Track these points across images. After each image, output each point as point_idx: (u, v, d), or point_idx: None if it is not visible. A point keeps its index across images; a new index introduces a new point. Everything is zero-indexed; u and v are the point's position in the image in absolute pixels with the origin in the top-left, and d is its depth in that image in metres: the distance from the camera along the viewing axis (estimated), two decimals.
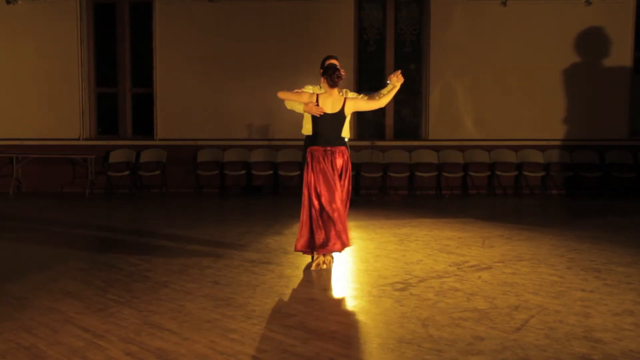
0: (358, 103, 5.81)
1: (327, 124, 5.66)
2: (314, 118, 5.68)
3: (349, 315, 4.39)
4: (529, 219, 8.85)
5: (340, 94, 5.83)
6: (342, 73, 5.63)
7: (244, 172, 11.84)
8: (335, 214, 5.53)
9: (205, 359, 3.54)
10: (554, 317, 4.25)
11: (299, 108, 5.88)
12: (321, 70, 5.75)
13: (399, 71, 5.87)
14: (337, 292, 5.07)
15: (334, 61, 5.77)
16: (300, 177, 11.79)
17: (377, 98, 5.88)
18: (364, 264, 5.93)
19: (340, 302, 4.76)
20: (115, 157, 11.88)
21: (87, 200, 11.06)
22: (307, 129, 5.95)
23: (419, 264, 5.89)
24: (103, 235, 7.79)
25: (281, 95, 5.86)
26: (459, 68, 11.88)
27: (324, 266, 5.70)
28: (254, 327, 4.08)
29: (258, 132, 12.00)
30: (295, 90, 5.86)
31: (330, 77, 5.60)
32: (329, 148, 5.63)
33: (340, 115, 5.68)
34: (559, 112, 11.92)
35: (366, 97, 6.00)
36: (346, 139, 5.88)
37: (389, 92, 5.85)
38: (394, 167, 11.87)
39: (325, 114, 5.62)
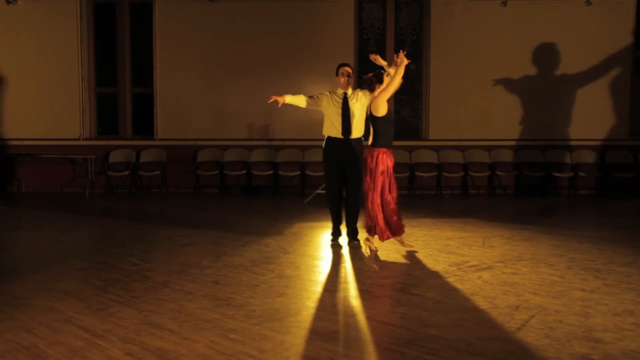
0: (382, 96, 6.36)
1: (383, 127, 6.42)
2: (372, 122, 6.42)
3: (349, 315, 4.39)
4: (529, 219, 8.84)
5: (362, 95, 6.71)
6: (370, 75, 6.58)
7: (244, 172, 11.84)
8: (372, 208, 6.37)
9: (205, 359, 3.55)
10: (554, 317, 4.25)
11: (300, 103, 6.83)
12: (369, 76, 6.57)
13: (402, 52, 6.37)
14: (337, 292, 5.06)
15: (347, 68, 6.73)
16: (300, 177, 11.81)
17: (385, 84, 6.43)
18: (364, 264, 5.93)
19: (340, 302, 4.76)
20: (115, 157, 11.88)
21: (87, 200, 11.06)
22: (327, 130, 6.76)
23: (419, 264, 5.89)
24: (103, 235, 7.79)
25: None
26: (459, 68, 11.88)
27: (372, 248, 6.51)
28: (254, 327, 4.08)
29: (258, 132, 12.00)
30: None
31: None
32: (384, 150, 6.46)
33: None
34: (558, 112, 11.92)
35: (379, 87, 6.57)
36: (361, 137, 6.75)
37: (397, 72, 6.29)
38: (394, 167, 11.83)
39: (379, 117, 6.35)
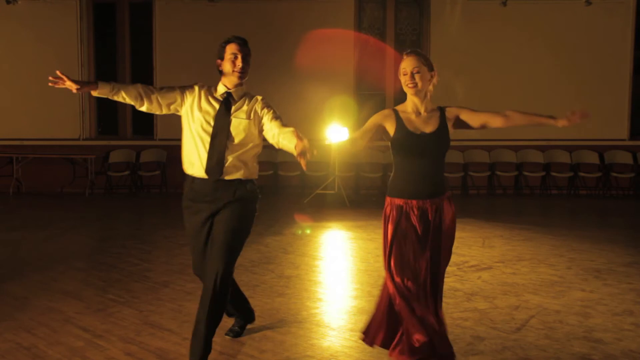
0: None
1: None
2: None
3: (349, 315, 4.39)
4: (529, 219, 8.84)
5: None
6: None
7: None
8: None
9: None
10: (554, 317, 4.25)
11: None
12: (434, 72, 3.46)
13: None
14: (337, 292, 5.07)
15: (238, 45, 3.79)
16: (300, 177, 11.81)
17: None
18: (364, 264, 5.93)
19: (340, 302, 4.76)
20: (115, 157, 11.87)
21: (87, 200, 11.05)
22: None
23: None
24: (103, 235, 7.78)
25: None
26: (459, 68, 11.86)
27: None
28: (254, 327, 4.08)
29: None
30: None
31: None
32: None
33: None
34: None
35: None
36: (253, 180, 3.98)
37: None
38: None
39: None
